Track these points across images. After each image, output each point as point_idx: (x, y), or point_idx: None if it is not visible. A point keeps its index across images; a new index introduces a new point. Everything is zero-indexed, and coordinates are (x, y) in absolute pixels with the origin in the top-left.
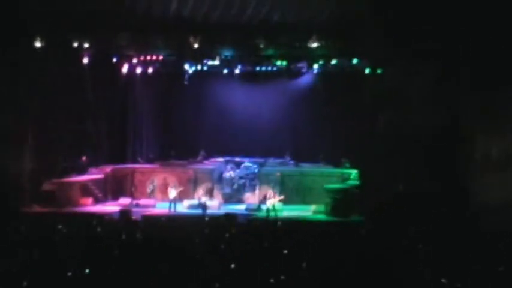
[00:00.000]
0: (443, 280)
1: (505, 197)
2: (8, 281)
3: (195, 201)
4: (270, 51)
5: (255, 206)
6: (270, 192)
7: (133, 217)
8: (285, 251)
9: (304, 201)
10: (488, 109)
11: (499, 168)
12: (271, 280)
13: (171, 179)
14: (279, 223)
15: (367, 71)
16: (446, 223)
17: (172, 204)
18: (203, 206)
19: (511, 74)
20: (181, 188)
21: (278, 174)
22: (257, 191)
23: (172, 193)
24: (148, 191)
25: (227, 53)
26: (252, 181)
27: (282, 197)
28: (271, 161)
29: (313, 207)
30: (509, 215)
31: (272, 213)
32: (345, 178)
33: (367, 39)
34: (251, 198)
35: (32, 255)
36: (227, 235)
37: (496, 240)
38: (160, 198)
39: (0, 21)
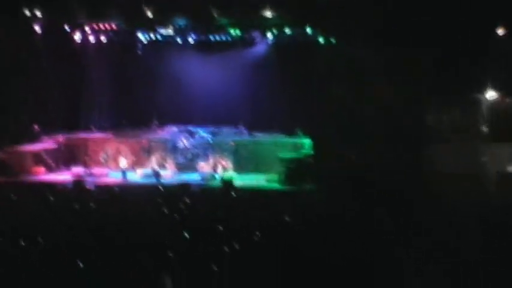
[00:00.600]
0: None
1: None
2: None
3: (148, 171)
4: (224, 21)
5: (208, 175)
6: (214, 160)
7: (87, 186)
8: (239, 220)
9: (258, 171)
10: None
11: (449, 138)
12: (225, 249)
13: (123, 148)
14: (232, 193)
15: (320, 40)
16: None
17: (124, 173)
18: (156, 175)
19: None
20: (132, 158)
21: (232, 143)
22: (211, 160)
23: (123, 162)
24: (102, 160)
25: (180, 22)
26: (205, 150)
27: (226, 162)
28: (225, 130)
29: (266, 176)
30: (456, 182)
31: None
32: (299, 147)
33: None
34: (205, 167)
35: None
36: (180, 204)
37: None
38: (113, 168)
39: None
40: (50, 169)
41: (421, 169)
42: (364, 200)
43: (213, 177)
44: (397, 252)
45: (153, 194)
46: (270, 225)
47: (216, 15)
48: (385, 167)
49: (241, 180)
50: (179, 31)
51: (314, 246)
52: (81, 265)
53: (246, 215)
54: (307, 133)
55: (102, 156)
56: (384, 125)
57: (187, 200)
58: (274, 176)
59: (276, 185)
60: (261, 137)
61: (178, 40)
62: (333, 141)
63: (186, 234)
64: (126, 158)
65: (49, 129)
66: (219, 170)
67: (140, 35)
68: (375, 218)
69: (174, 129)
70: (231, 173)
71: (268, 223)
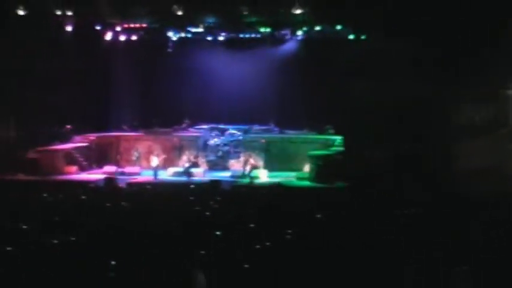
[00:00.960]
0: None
1: (484, 161)
2: None
3: (179, 169)
4: (253, 18)
5: (239, 173)
6: (244, 158)
7: (118, 185)
8: (269, 217)
9: (289, 168)
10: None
11: (480, 133)
12: (257, 246)
13: (154, 147)
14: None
15: (350, 37)
16: (430, 187)
17: (155, 172)
18: (188, 173)
19: (488, 41)
20: (164, 156)
21: (263, 141)
22: (241, 158)
23: (155, 161)
24: (133, 158)
25: (210, 20)
26: (236, 148)
27: (255, 160)
28: (256, 127)
29: (297, 173)
30: (488, 179)
31: (249, 179)
32: (329, 144)
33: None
34: (236, 165)
35: (17, 223)
36: (211, 202)
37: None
38: (145, 166)
39: None
40: (81, 168)
41: (452, 165)
42: (395, 197)
43: (244, 175)
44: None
45: (184, 191)
46: (301, 223)
47: (245, 13)
48: (417, 163)
49: (271, 178)
50: (209, 29)
51: (345, 243)
52: (113, 262)
53: (276, 212)
54: (338, 130)
55: (133, 155)
56: (415, 121)
57: (218, 198)
58: (304, 174)
59: (306, 182)
60: (292, 134)
61: (209, 38)
62: (363, 138)
63: (217, 232)
64: (157, 156)
65: (80, 128)
66: (250, 167)
67: (170, 34)
68: (407, 215)
69: (204, 127)
70: (261, 171)
71: (299, 220)
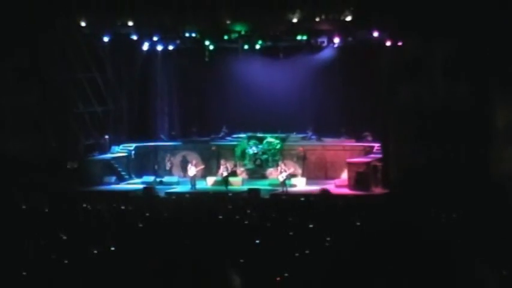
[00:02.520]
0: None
1: None
2: (37, 257)
3: (218, 178)
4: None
5: (277, 181)
6: (281, 166)
7: (157, 194)
8: (310, 225)
9: (327, 176)
10: (506, 82)
11: None
12: (296, 254)
13: (192, 156)
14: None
15: (387, 43)
16: (469, 193)
17: (193, 181)
18: (225, 182)
19: None
20: (201, 166)
21: (300, 149)
22: (280, 166)
23: (192, 170)
24: (172, 168)
25: (246, 28)
26: (274, 156)
27: (291, 169)
28: (294, 135)
29: (335, 181)
30: None
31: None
32: (368, 151)
33: (386, 11)
34: (274, 173)
35: (58, 233)
36: (248, 210)
37: None
38: (183, 175)
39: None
40: (120, 178)
41: (491, 170)
42: (436, 204)
43: (282, 183)
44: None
45: (222, 200)
46: (341, 230)
47: (280, 21)
48: (456, 170)
49: (310, 185)
50: (245, 38)
51: (385, 251)
52: (153, 271)
53: (316, 219)
54: (376, 137)
55: (172, 164)
56: (454, 128)
57: (257, 206)
58: (343, 181)
59: (345, 190)
60: (330, 141)
61: (245, 47)
62: (402, 144)
63: (257, 241)
64: (195, 165)
65: (119, 138)
66: (288, 175)
67: (207, 43)
68: (447, 223)
69: (242, 135)
70: (299, 179)
71: (338, 228)
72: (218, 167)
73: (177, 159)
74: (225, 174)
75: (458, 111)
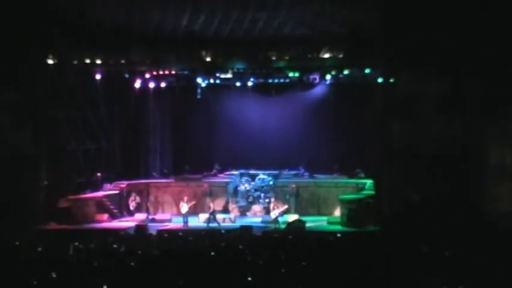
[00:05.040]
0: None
1: None
2: None
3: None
4: (282, 64)
5: (270, 218)
6: (273, 203)
7: (149, 232)
8: (303, 263)
9: (319, 212)
10: (500, 119)
11: None
12: None
13: (184, 193)
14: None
15: (379, 80)
16: (461, 232)
17: (185, 219)
18: (215, 219)
19: None
20: (193, 202)
21: (293, 185)
22: (272, 203)
23: (184, 208)
24: (164, 205)
25: (239, 66)
26: (267, 193)
27: (285, 206)
28: (286, 172)
29: (328, 218)
30: None
31: (277, 225)
32: (360, 188)
33: (378, 49)
34: (266, 210)
35: (49, 273)
36: (241, 247)
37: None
38: (175, 212)
39: (12, 38)
40: (112, 216)
41: (485, 209)
42: (428, 240)
43: (275, 220)
44: None
45: (215, 238)
46: (334, 268)
47: (274, 59)
48: (448, 208)
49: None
50: (238, 74)
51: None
52: None
53: (309, 257)
54: (369, 174)
55: (163, 202)
56: (446, 165)
57: (249, 244)
58: (336, 218)
59: (338, 227)
60: (322, 178)
61: (238, 84)
62: (395, 181)
63: (249, 278)
64: (187, 202)
65: (111, 176)
66: (281, 212)
67: (200, 80)
68: (440, 260)
69: (235, 172)
70: (292, 215)
71: (331, 265)
72: (210, 204)
73: (170, 196)
74: (215, 211)
75: (451, 148)
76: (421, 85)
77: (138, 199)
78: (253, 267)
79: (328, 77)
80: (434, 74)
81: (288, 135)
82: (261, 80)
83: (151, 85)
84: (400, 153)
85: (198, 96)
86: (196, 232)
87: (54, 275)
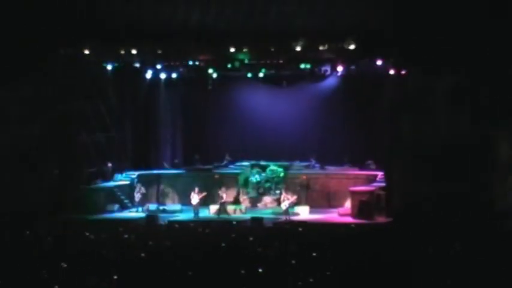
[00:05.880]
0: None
1: None
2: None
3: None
4: (292, 54)
5: (280, 210)
6: (284, 195)
7: (160, 223)
8: (313, 254)
9: (330, 204)
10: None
11: None
12: (299, 283)
13: (195, 184)
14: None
15: (391, 72)
16: (472, 224)
17: (196, 210)
18: (224, 211)
19: None
20: (204, 193)
21: (304, 177)
22: (283, 195)
23: (195, 199)
24: (175, 196)
25: (250, 57)
26: (277, 185)
27: (294, 197)
28: (297, 164)
29: (338, 209)
30: None
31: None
32: (371, 180)
33: (389, 41)
34: (277, 201)
35: (59, 263)
36: (251, 239)
37: None
38: (186, 203)
39: (22, 31)
40: (123, 206)
41: (493, 203)
42: (439, 233)
43: (285, 211)
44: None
45: (225, 229)
46: (344, 259)
47: (285, 50)
48: (459, 200)
49: (313, 214)
50: (249, 66)
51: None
52: None
53: (318, 249)
54: (380, 165)
55: (174, 192)
56: (457, 158)
57: (260, 235)
58: (346, 209)
59: (348, 219)
60: (333, 170)
61: (249, 75)
62: (406, 173)
63: (260, 270)
64: (198, 194)
65: (122, 166)
66: (291, 204)
67: (211, 71)
68: (451, 254)
69: (245, 164)
70: (302, 207)
71: (341, 257)
72: (221, 195)
73: (180, 187)
74: (225, 202)
75: (461, 141)
76: (431, 78)
77: (143, 190)
78: (263, 259)
79: (339, 68)
80: (445, 67)
81: (299, 127)
82: (272, 72)
83: (163, 76)
84: (410, 145)
85: (209, 87)
86: (207, 223)
87: (64, 265)
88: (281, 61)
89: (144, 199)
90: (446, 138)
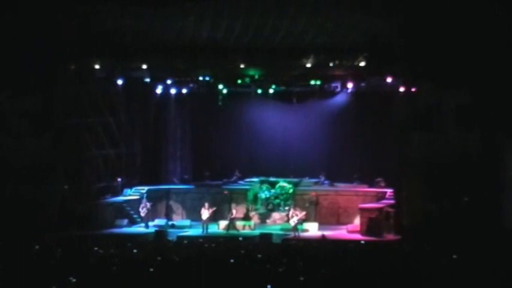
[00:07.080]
0: None
1: None
2: None
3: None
4: (303, 71)
5: (290, 226)
6: (293, 211)
7: (169, 238)
8: (321, 271)
9: (339, 221)
10: None
11: None
12: None
13: (205, 200)
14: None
15: (401, 89)
16: (480, 241)
17: (205, 225)
18: (233, 227)
19: None
20: (213, 209)
21: (313, 194)
22: (291, 211)
23: (205, 214)
24: (184, 211)
25: (260, 73)
26: (286, 201)
27: (303, 213)
28: (306, 180)
29: (347, 226)
30: None
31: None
32: (380, 197)
33: (399, 58)
34: (286, 217)
35: (68, 277)
36: (259, 256)
37: None
38: (195, 219)
39: (32, 46)
40: (132, 221)
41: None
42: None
43: (294, 228)
44: None
45: (234, 245)
46: (353, 276)
47: (295, 66)
48: (468, 217)
49: (322, 231)
50: (259, 82)
51: None
52: None
53: (327, 265)
54: (389, 183)
55: (183, 208)
56: (467, 175)
57: (268, 251)
58: (355, 226)
59: (357, 236)
60: (342, 187)
61: (259, 91)
62: (415, 190)
63: (268, 286)
64: (208, 209)
65: (131, 181)
66: (300, 220)
67: (221, 87)
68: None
69: (255, 179)
70: (311, 224)
71: (350, 274)
72: (230, 211)
73: (190, 202)
74: (234, 219)
75: (470, 159)
76: (441, 96)
77: (148, 205)
78: (272, 275)
79: (349, 85)
80: (454, 85)
81: (309, 143)
82: (282, 88)
83: (173, 91)
84: (420, 163)
85: (219, 103)
86: (216, 239)
87: (73, 280)
88: (291, 77)
89: (150, 214)
90: (456, 156)
